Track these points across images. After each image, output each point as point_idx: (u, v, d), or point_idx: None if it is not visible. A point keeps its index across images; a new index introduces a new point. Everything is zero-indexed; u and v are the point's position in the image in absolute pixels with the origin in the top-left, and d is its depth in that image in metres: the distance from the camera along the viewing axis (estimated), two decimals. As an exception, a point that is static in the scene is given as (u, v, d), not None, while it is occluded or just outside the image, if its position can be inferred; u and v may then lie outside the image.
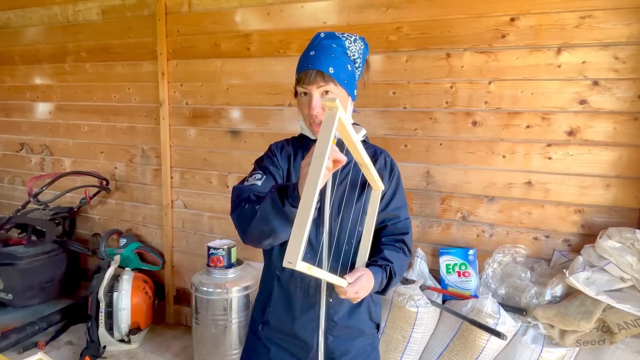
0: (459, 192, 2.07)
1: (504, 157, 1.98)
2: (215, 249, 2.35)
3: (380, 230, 1.19)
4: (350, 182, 1.13)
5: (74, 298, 2.94)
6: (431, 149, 2.08)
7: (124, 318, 2.47)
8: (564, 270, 1.72)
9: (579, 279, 1.63)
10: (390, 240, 1.18)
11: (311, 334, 1.13)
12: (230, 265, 2.38)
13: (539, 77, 1.89)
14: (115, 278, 2.53)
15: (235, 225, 1.05)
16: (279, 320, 1.16)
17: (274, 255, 1.18)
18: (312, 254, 1.11)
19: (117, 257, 2.62)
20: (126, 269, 2.62)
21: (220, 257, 2.35)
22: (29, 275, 2.73)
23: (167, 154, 2.76)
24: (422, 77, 2.06)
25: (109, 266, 2.53)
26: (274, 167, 1.15)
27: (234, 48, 2.48)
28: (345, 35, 1.12)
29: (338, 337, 1.13)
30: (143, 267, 2.81)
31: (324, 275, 0.88)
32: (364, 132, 1.22)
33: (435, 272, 2.09)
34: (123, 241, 2.81)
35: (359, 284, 0.99)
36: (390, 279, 1.10)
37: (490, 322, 1.75)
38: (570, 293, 1.74)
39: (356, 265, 1.11)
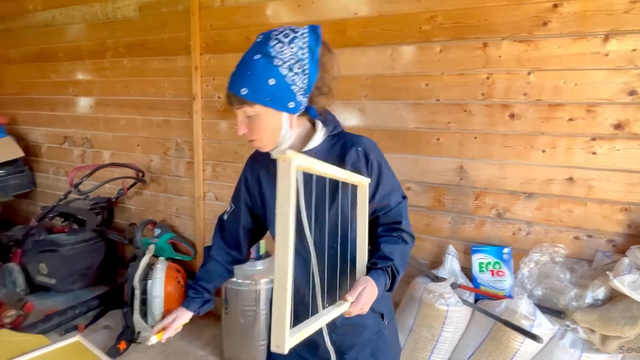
0: (494, 188, 1.98)
1: (543, 151, 1.88)
2: (244, 240, 2.37)
3: (374, 222, 1.15)
4: (322, 186, 1.09)
5: (111, 285, 3.07)
6: (465, 142, 2.01)
7: (157, 305, 2.55)
8: (607, 272, 1.62)
9: (624, 282, 1.53)
10: (387, 231, 1.14)
11: (317, 335, 1.13)
12: (259, 258, 2.41)
13: (584, 67, 1.77)
14: (150, 266, 2.61)
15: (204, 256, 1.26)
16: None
17: None
18: (304, 266, 1.12)
19: (152, 247, 2.71)
20: (160, 258, 2.70)
21: (251, 250, 2.37)
22: (70, 261, 2.87)
23: (200, 147, 2.82)
24: (456, 68, 1.99)
25: (144, 255, 2.62)
26: (243, 192, 1.23)
27: (265, 41, 2.48)
28: (278, 36, 0.98)
29: (342, 334, 1.16)
30: (176, 257, 2.89)
31: (323, 321, 0.89)
32: (319, 136, 1.10)
33: (467, 270, 2.02)
34: (157, 231, 2.90)
35: (362, 300, 0.98)
36: (394, 277, 1.08)
37: (525, 324, 1.68)
38: (614, 296, 1.64)
39: (357, 266, 1.09)
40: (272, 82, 0.97)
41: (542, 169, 1.90)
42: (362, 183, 1.07)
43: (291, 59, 0.98)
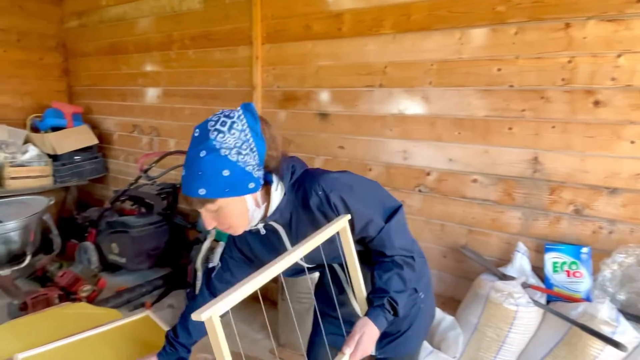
0: (573, 181, 1.82)
1: (632, 142, 1.70)
2: (302, 229, 2.39)
3: (366, 245, 1.16)
4: (304, 231, 1.08)
5: (174, 266, 3.23)
6: (541, 132, 1.86)
7: (217, 288, 2.64)
8: None
9: None
10: (379, 257, 1.13)
11: (355, 311, 1.21)
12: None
13: (687, 47, 1.57)
14: (211, 250, 2.71)
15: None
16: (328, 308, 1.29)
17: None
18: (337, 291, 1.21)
19: (213, 231, 2.80)
20: (220, 242, 2.79)
21: (307, 238, 2.38)
22: (139, 242, 3.05)
23: (259, 135, 2.86)
24: (533, 52, 1.84)
25: (205, 239, 2.72)
26: (232, 248, 1.27)
27: (325, 29, 2.46)
28: (216, 127, 0.95)
29: None
30: (234, 243, 2.97)
31: None
32: (277, 196, 1.07)
33: (538, 270, 1.89)
34: (218, 217, 3.00)
35: (361, 347, 1.01)
36: (393, 307, 1.07)
37: (605, 330, 1.54)
38: None
39: (357, 302, 1.15)
40: (226, 173, 0.95)
41: (630, 161, 1.71)
42: (341, 226, 1.05)
43: (236, 143, 0.95)
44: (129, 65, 3.66)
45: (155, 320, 1.65)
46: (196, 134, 0.97)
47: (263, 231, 1.12)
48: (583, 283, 1.77)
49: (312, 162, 2.66)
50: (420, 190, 2.21)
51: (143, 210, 3.28)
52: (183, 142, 3.36)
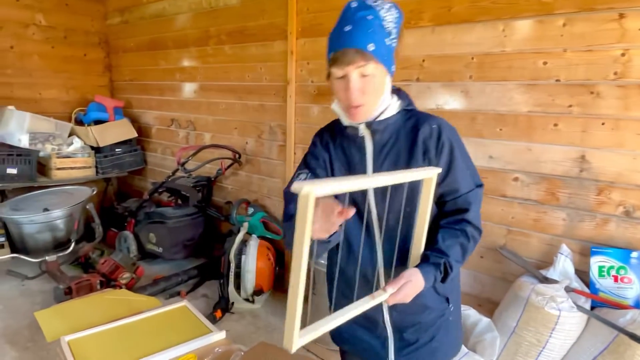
0: (623, 182, 1.72)
1: (692, 141, 1.58)
2: (334, 224, 2.39)
3: (440, 206, 1.11)
4: (392, 161, 1.06)
5: (208, 257, 3.31)
6: (589, 129, 1.76)
7: (249, 279, 2.68)
8: None
9: None
10: (450, 222, 1.09)
11: (375, 311, 1.11)
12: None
13: None
14: (244, 243, 2.75)
15: (284, 237, 1.12)
16: (345, 302, 1.14)
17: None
18: (367, 239, 1.11)
19: (246, 224, 2.85)
20: (252, 235, 2.84)
21: (339, 233, 2.38)
22: (175, 233, 3.14)
23: (292, 131, 2.87)
24: (582, 44, 1.74)
25: (239, 231, 2.77)
26: (315, 161, 1.14)
27: (361, 23, 2.42)
28: (378, 3, 0.98)
29: (402, 312, 1.12)
30: (267, 235, 3.01)
31: (357, 309, 0.93)
32: (395, 106, 1.06)
33: (581, 274, 1.80)
34: (251, 210, 3.04)
35: (402, 292, 0.99)
36: (446, 272, 1.05)
37: (657, 341, 1.45)
38: None
39: (410, 257, 1.08)
40: (387, 41, 0.97)
41: (689, 162, 1.60)
42: (428, 177, 1.01)
43: (393, 24, 0.98)
44: (168, 60, 3.76)
45: (191, 310, 1.70)
46: (355, 5, 0.98)
47: (361, 132, 1.07)
48: (632, 289, 1.67)
49: (346, 157, 2.64)
50: (456, 188, 2.16)
51: (179, 202, 3.37)
52: (218, 136, 3.42)
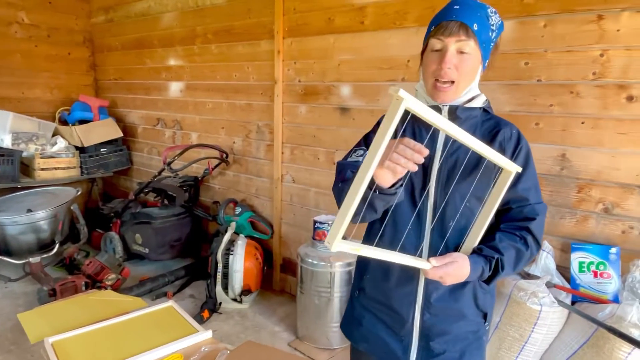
0: (602, 179, 1.77)
1: (668, 139, 1.63)
2: (321, 223, 2.40)
3: (502, 213, 1.06)
4: (461, 154, 1.02)
5: (195, 257, 3.29)
6: (569, 128, 1.81)
7: (237, 279, 2.68)
8: None
9: None
10: (511, 227, 1.04)
11: (407, 308, 1.07)
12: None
13: None
14: (231, 242, 2.75)
15: (336, 200, 1.05)
16: (375, 289, 1.13)
17: (372, 224, 1.15)
18: (417, 225, 1.06)
19: (233, 224, 2.84)
20: (240, 235, 2.83)
21: (326, 232, 2.39)
22: (161, 233, 3.12)
23: (280, 130, 2.87)
24: (563, 45, 1.78)
25: (226, 231, 2.76)
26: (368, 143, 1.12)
27: (347, 22, 2.44)
28: (488, 6, 1.03)
29: (435, 315, 1.06)
30: (254, 235, 3.00)
31: (391, 257, 0.91)
32: (481, 99, 1.07)
33: (563, 270, 1.84)
34: (238, 210, 3.04)
35: (444, 269, 0.96)
36: (495, 272, 1.01)
37: (634, 333, 1.49)
38: None
39: (463, 247, 1.04)
40: (489, 34, 1.00)
41: (665, 159, 1.65)
42: (508, 169, 1.00)
43: (495, 27, 1.02)
44: (153, 59, 3.73)
45: (177, 310, 1.69)
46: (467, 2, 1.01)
47: (444, 114, 1.03)
48: (611, 284, 1.71)
49: (333, 156, 2.65)
50: (442, 186, 2.19)
51: (166, 202, 3.34)
52: (205, 136, 3.41)
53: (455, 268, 0.96)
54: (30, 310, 1.75)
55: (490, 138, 1.04)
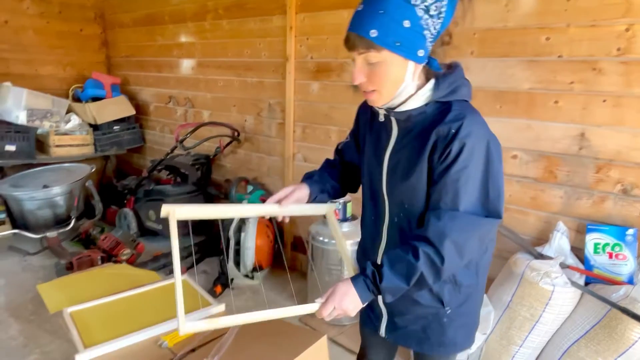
0: (622, 160, 1.72)
1: (693, 119, 1.57)
2: (332, 201, 2.40)
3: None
4: (409, 153, 0.98)
5: (208, 235, 3.33)
6: (590, 106, 1.75)
7: (249, 256, 2.71)
8: None
9: None
10: (414, 235, 0.95)
11: None
12: (345, 219, 2.41)
13: None
14: (243, 220, 2.77)
15: None
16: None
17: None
18: (374, 222, 1.12)
19: (245, 202, 2.86)
20: (252, 213, 2.85)
21: (337, 211, 2.39)
22: (174, 210, 3.15)
23: (291, 108, 2.85)
24: (586, 19, 1.71)
25: (237, 209, 2.78)
26: (356, 128, 1.21)
27: (362, -3, 2.37)
28: None
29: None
30: (266, 214, 3.02)
31: (267, 314, 0.98)
32: (423, 97, 0.95)
33: (577, 251, 1.82)
34: (250, 188, 3.05)
35: (330, 304, 0.96)
36: (378, 283, 0.94)
37: (649, 315, 1.48)
38: None
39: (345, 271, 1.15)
40: (406, 24, 0.84)
41: (689, 140, 1.59)
42: (324, 210, 1.12)
43: (428, 1, 0.85)
44: (165, 36, 3.70)
45: (191, 284, 1.72)
46: None
47: (382, 118, 1.02)
48: (626, 266, 1.69)
49: (344, 135, 2.62)
50: (455, 166, 2.16)
51: (178, 180, 3.37)
52: (217, 114, 3.40)
53: (339, 296, 0.94)
54: (49, 282, 1.80)
55: (430, 132, 0.93)
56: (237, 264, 2.77)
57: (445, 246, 0.89)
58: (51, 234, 2.98)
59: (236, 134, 3.19)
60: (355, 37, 0.88)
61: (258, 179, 3.22)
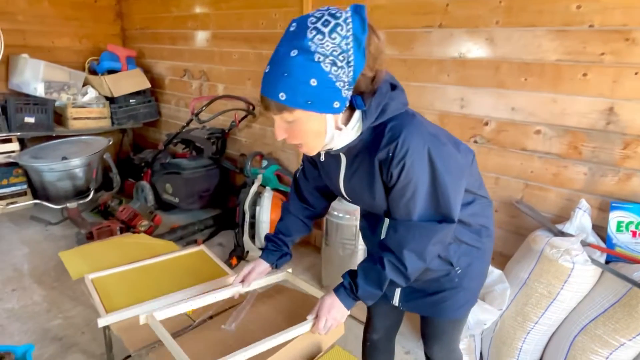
0: (652, 135, 1.65)
1: None
2: (348, 176, 2.38)
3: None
4: (363, 174, 1.03)
5: (223, 208, 3.36)
6: (621, 79, 1.67)
7: (263, 229, 2.73)
8: None
9: None
10: (382, 247, 1.04)
11: None
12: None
13: None
14: (258, 194, 2.78)
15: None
16: (365, 240, 1.29)
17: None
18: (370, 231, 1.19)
19: (260, 176, 2.86)
20: (267, 187, 2.86)
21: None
22: (190, 184, 3.18)
23: (307, 81, 2.80)
24: (622, -15, 1.62)
25: (253, 183, 2.79)
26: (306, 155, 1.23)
27: (382, -36, 2.28)
28: (317, 25, 0.82)
29: None
30: (280, 188, 3.03)
31: (279, 339, 1.08)
32: (351, 133, 0.96)
33: (600, 229, 1.78)
34: (265, 163, 3.05)
35: (321, 318, 1.08)
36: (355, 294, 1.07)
37: (671, 295, 1.44)
38: None
39: None
40: (313, 82, 0.84)
41: None
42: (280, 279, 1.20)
43: (334, 51, 0.83)
44: (179, 7, 3.64)
45: (208, 254, 1.74)
46: (292, 28, 0.86)
47: (322, 158, 1.08)
48: (650, 245, 1.65)
49: (361, 109, 2.58)
50: (476, 141, 2.11)
51: (194, 153, 3.39)
52: (231, 88, 3.37)
53: (327, 309, 1.08)
54: (70, 250, 1.84)
55: (373, 155, 0.97)
56: (252, 237, 2.79)
57: (405, 255, 0.99)
58: (71, 204, 3.04)
59: (251, 107, 3.17)
60: (267, 99, 0.89)
61: (273, 153, 3.21)
